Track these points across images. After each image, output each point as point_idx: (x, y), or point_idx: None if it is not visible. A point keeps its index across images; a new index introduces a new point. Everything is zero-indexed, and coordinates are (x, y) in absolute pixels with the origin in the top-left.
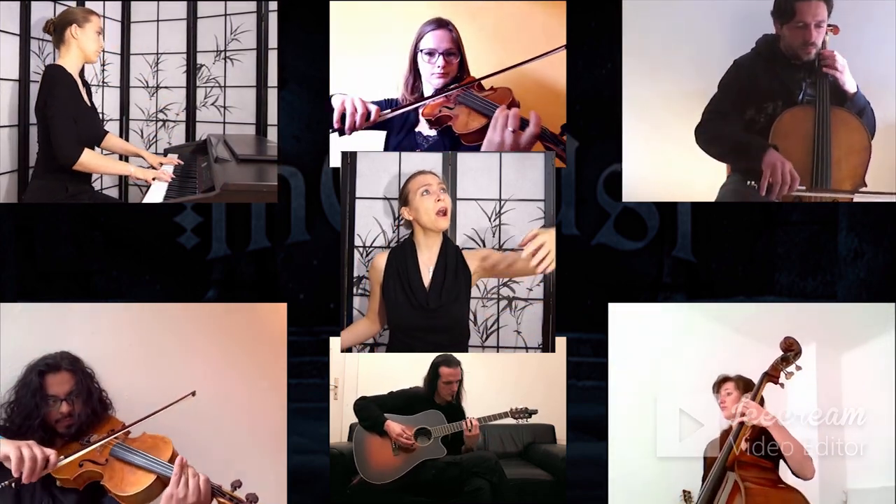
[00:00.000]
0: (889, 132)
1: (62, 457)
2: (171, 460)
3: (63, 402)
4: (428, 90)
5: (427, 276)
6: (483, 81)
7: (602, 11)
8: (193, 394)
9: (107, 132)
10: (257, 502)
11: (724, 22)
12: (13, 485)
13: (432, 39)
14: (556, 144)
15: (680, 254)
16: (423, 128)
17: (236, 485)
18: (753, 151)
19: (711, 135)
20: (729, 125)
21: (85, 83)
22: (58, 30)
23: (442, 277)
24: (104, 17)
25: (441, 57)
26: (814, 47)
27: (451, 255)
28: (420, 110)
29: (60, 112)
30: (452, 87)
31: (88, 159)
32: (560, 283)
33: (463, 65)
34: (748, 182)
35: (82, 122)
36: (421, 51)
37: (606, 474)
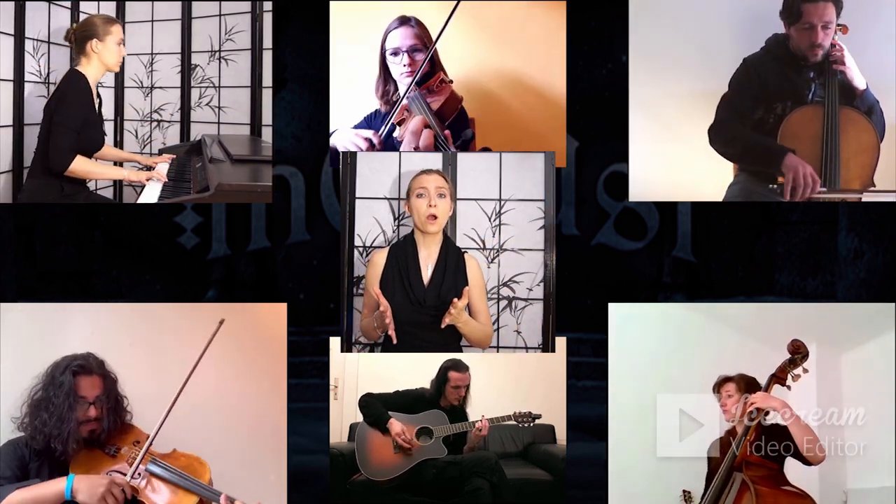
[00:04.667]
0: (892, 131)
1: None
2: (210, 483)
3: (91, 406)
4: (401, 90)
5: (427, 273)
6: (443, 75)
7: (602, 11)
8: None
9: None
10: None
11: (733, 21)
12: None
13: (395, 38)
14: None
15: (680, 254)
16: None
17: None
18: (773, 156)
19: (726, 137)
20: (744, 127)
21: (99, 94)
22: (78, 41)
23: (441, 276)
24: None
25: (405, 55)
26: (821, 49)
27: (451, 255)
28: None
29: (66, 121)
30: (407, 90)
31: (79, 165)
32: (560, 283)
33: (434, 61)
34: (770, 185)
35: (86, 131)
36: (387, 51)
37: (606, 474)
